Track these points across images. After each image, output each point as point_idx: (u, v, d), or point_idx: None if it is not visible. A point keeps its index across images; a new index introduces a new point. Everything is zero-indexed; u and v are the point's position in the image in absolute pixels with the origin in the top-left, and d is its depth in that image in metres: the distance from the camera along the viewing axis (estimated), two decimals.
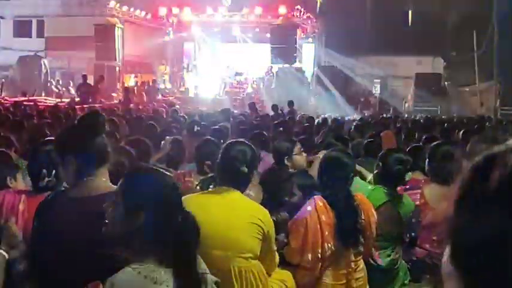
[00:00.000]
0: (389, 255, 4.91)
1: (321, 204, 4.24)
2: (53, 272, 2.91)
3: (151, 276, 2.49)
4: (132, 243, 2.58)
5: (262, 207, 3.91)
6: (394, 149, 5.70)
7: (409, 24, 33.24)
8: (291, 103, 18.80)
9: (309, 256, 4.16)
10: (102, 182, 3.01)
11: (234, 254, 3.64)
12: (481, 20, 28.12)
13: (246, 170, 3.81)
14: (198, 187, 4.59)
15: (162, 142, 6.71)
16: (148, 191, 2.62)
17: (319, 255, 4.17)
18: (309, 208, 4.26)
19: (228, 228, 3.63)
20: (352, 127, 10.21)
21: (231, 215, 3.67)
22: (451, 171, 4.89)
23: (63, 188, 3.36)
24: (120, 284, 2.50)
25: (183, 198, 3.75)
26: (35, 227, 3.11)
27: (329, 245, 4.17)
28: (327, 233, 4.17)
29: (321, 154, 5.42)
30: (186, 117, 12.23)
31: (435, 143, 5.77)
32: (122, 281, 2.51)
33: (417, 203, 5.18)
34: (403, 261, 5.09)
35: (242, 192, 3.85)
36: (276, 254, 3.99)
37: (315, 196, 4.36)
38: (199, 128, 8.56)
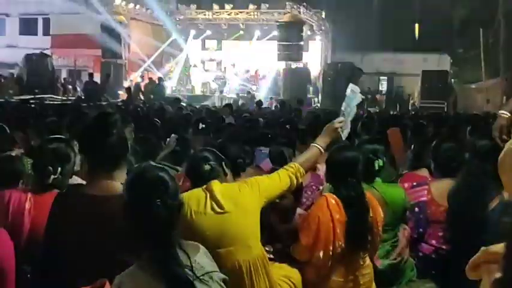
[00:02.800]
0: (388, 252, 4.89)
1: (333, 201, 4.21)
2: (64, 266, 2.92)
3: (158, 274, 2.49)
4: (139, 242, 2.57)
5: (244, 183, 3.92)
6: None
7: (416, 21, 33.23)
8: (300, 101, 18.79)
9: (321, 254, 4.14)
10: (118, 184, 2.96)
11: (237, 248, 3.65)
12: (488, 17, 28.04)
13: (208, 167, 3.86)
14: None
15: (168, 139, 6.71)
16: (151, 192, 2.60)
17: (331, 253, 4.15)
18: (321, 206, 4.24)
19: (228, 226, 3.64)
20: (359, 124, 10.14)
21: (225, 211, 3.67)
22: (457, 167, 4.89)
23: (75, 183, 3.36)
24: (128, 282, 2.50)
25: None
26: (50, 220, 3.08)
27: (339, 242, 4.16)
28: (338, 230, 4.15)
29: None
30: (192, 114, 12.24)
31: (439, 139, 5.75)
32: (129, 279, 2.51)
33: (424, 199, 5.17)
34: (410, 258, 5.07)
35: (225, 181, 3.91)
36: (283, 179, 3.99)
37: (325, 194, 4.34)
38: (203, 126, 8.56)
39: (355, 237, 4.21)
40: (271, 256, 4.30)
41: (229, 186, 3.84)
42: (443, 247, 4.99)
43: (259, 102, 18.37)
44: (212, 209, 3.66)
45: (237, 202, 3.73)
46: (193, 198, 3.71)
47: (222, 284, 2.75)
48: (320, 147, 4.28)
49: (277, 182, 3.96)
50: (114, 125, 3.01)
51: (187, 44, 32.43)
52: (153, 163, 2.95)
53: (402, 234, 5.00)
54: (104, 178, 3.00)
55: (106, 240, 2.76)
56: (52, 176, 3.76)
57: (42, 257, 3.08)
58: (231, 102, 22.14)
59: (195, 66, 33.14)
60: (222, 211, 3.66)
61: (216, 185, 3.76)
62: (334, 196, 4.26)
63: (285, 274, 4.12)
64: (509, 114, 4.46)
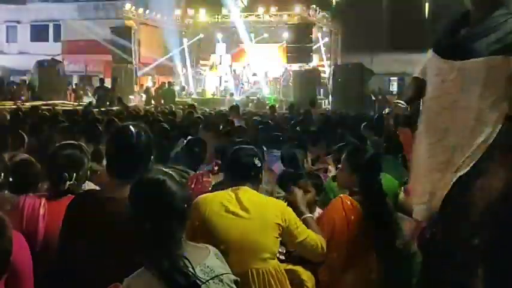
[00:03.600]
0: None
1: (349, 203, 4.21)
2: (80, 269, 2.95)
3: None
4: (144, 247, 2.58)
5: (277, 201, 3.92)
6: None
7: (426, 21, 33.09)
8: (312, 103, 18.65)
9: (335, 255, 4.14)
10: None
11: (251, 256, 3.63)
12: None
13: (259, 163, 3.87)
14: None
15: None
16: (152, 201, 2.61)
17: (345, 254, 4.15)
18: (336, 207, 4.24)
19: (245, 232, 3.63)
20: (362, 126, 10.08)
21: (246, 217, 3.66)
22: None
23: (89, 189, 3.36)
24: (135, 285, 2.51)
25: (200, 197, 3.77)
26: (65, 223, 3.11)
27: (354, 244, 4.16)
28: (354, 232, 4.15)
29: (331, 158, 5.42)
30: (202, 118, 12.26)
31: None
32: (137, 282, 2.52)
33: None
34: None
35: (257, 189, 3.88)
36: (311, 234, 3.87)
37: (341, 195, 4.34)
38: (214, 129, 8.61)
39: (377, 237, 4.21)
40: (284, 258, 4.30)
41: (258, 195, 3.83)
42: None
43: (272, 108, 18.06)
44: (233, 212, 3.66)
45: (262, 212, 3.71)
46: (217, 200, 3.72)
47: (234, 285, 2.74)
48: (311, 215, 4.25)
49: (306, 231, 3.87)
50: (138, 136, 3.05)
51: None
52: (161, 168, 2.95)
53: (406, 227, 5.00)
54: (121, 182, 3.03)
55: (118, 242, 2.78)
56: (68, 182, 3.77)
57: (58, 260, 3.10)
58: (241, 104, 22.09)
59: (207, 69, 33.15)
60: (243, 216, 3.66)
61: (245, 189, 3.77)
62: (349, 197, 4.26)
63: (299, 277, 4.12)
64: (405, 104, 4.48)
